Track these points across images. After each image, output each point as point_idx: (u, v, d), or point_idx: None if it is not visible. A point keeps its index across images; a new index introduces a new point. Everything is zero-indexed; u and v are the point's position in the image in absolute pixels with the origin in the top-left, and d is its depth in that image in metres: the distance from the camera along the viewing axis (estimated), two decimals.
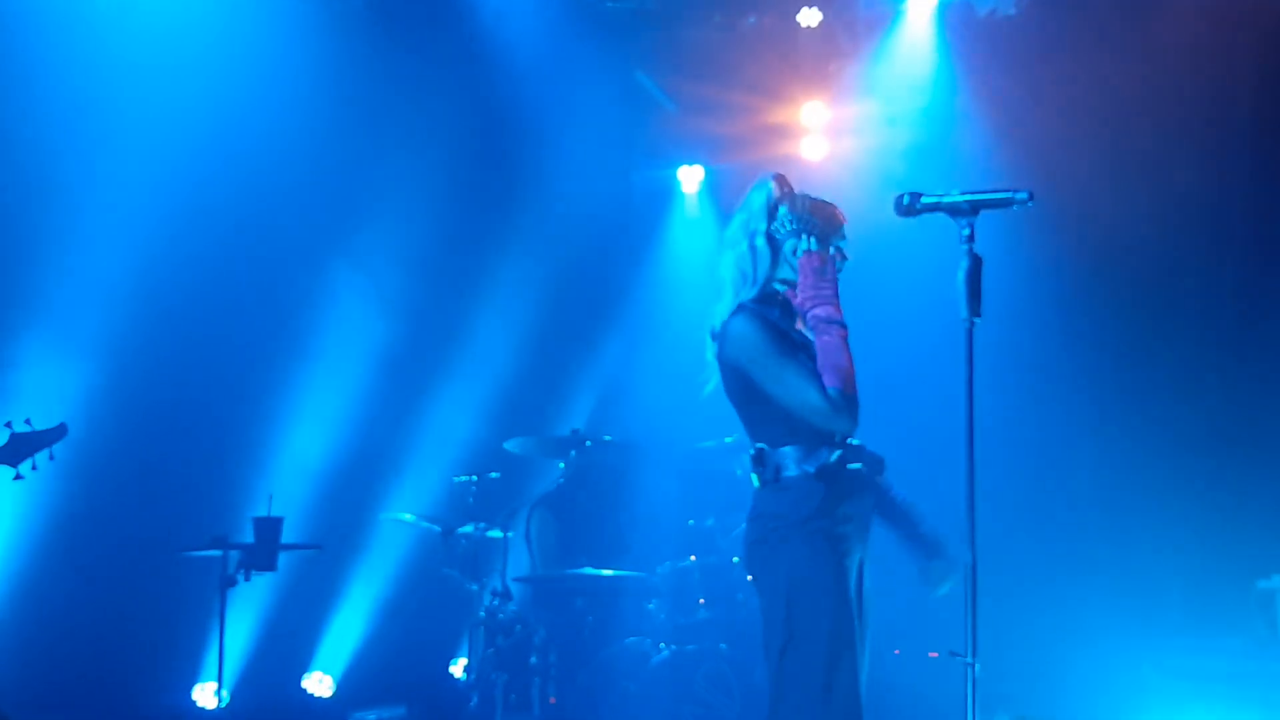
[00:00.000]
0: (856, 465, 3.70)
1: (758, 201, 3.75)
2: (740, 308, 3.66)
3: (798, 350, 3.63)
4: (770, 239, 3.71)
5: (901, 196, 3.74)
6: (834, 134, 8.01)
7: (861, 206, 6.98)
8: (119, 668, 6.12)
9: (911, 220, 3.84)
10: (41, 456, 4.46)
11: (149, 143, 6.05)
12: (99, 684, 6.01)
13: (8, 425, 4.40)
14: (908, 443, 6.99)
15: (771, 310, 3.70)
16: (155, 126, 6.08)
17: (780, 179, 3.77)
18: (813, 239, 3.71)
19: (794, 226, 3.73)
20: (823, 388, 3.57)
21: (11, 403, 5.42)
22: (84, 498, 5.89)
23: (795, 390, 3.57)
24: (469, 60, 7.36)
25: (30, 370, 5.73)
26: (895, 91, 7.76)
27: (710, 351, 3.75)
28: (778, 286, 3.71)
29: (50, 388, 5.71)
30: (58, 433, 4.50)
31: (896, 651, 6.68)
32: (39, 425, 4.47)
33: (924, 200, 3.70)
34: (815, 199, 3.81)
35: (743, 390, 3.67)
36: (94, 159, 5.94)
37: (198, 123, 6.21)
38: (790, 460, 3.64)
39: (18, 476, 4.43)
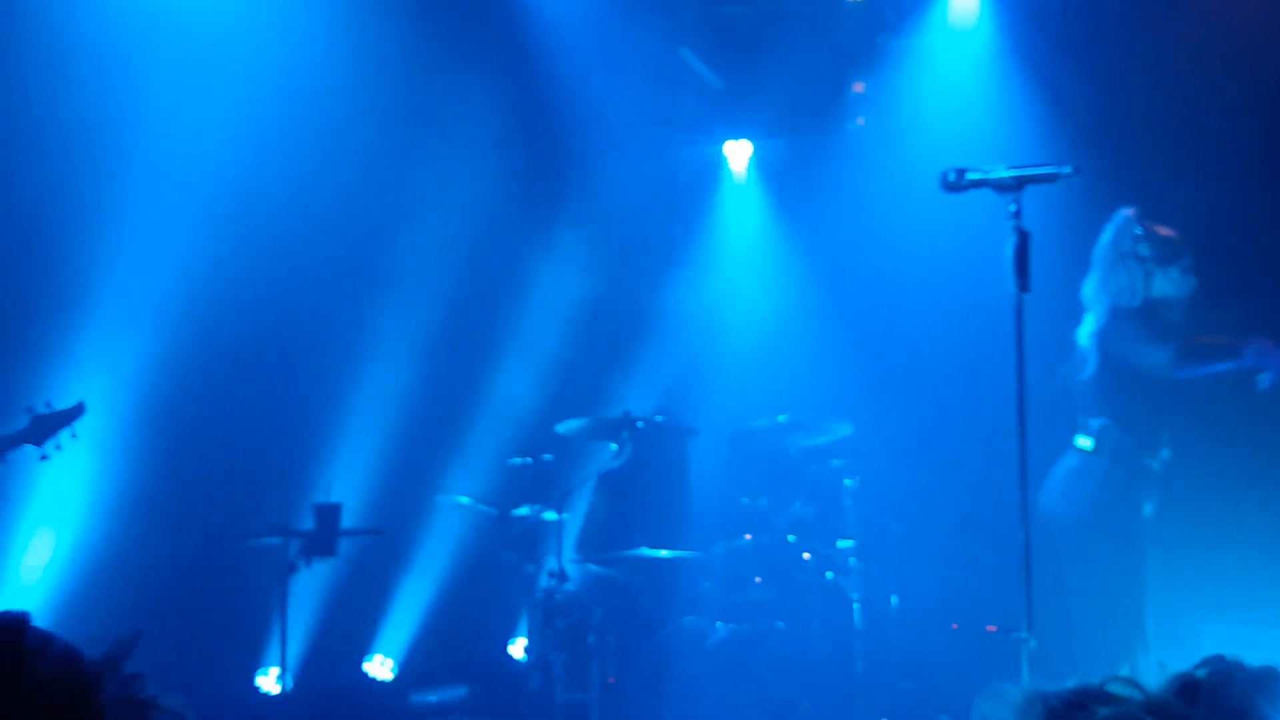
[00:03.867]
0: None
1: (1125, 229, 4.85)
2: (1132, 313, 4.80)
3: None
4: (1141, 260, 4.79)
5: (947, 172, 3.77)
6: (880, 108, 7.94)
7: (908, 182, 6.97)
8: (183, 655, 6.23)
9: (959, 195, 3.84)
10: (65, 436, 4.59)
11: (210, 134, 6.15)
12: (163, 671, 6.10)
13: (28, 410, 4.53)
14: (959, 417, 6.98)
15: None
16: (217, 118, 6.17)
17: (1137, 212, 4.90)
18: (1177, 260, 4.84)
19: (1160, 251, 4.81)
20: None
21: (76, 394, 5.55)
22: (148, 488, 6.00)
23: None
24: (513, 41, 7.37)
25: (94, 363, 5.84)
26: (941, 65, 7.68)
27: (1089, 340, 4.88)
28: (1155, 297, 4.80)
29: (114, 381, 5.82)
30: (76, 411, 4.63)
31: (954, 626, 6.66)
32: (59, 406, 4.59)
33: (970, 176, 3.73)
34: (1162, 227, 4.88)
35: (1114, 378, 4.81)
36: (158, 151, 6.03)
37: (256, 113, 6.30)
38: None
39: (43, 457, 4.57)
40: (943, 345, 7.07)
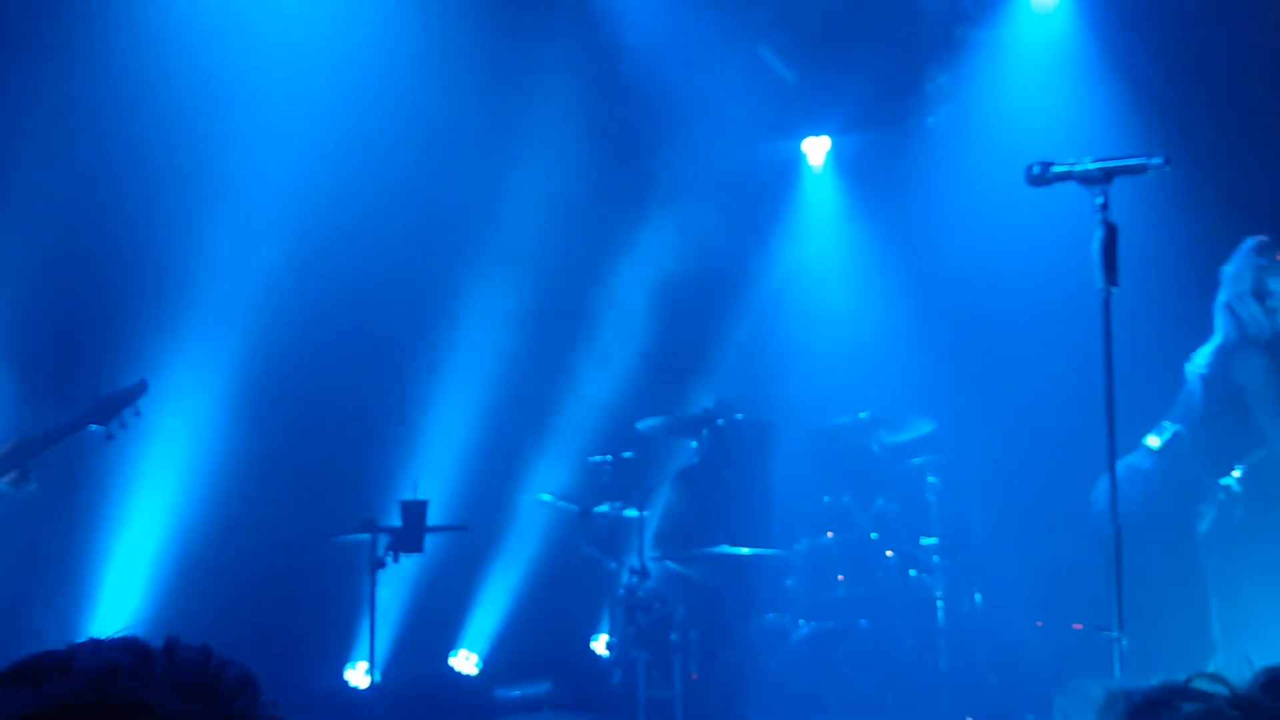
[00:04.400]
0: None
1: (1248, 263, 4.69)
2: (1258, 347, 4.70)
3: None
4: (1265, 295, 4.66)
5: (1032, 166, 3.73)
6: (960, 101, 7.84)
7: (989, 176, 6.88)
8: (275, 650, 6.37)
9: (1044, 189, 3.79)
10: (129, 415, 4.62)
11: (299, 139, 6.28)
12: (256, 666, 6.25)
13: (93, 394, 4.60)
14: (1043, 413, 6.89)
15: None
16: (305, 122, 6.31)
17: (1263, 243, 4.75)
18: None
19: None
20: None
21: (169, 396, 5.70)
22: (240, 488, 6.15)
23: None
24: (591, 40, 7.41)
25: (186, 365, 5.99)
26: (1022, 56, 7.57)
27: (1209, 356, 4.78)
28: None
29: (206, 382, 5.97)
30: (138, 389, 4.66)
31: (1039, 623, 6.58)
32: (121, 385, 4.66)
33: (1055, 169, 3.68)
34: None
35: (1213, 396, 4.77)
36: (249, 157, 6.17)
37: (342, 116, 6.43)
38: None
39: (109, 436, 4.61)
40: (1027, 340, 6.97)
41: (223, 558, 6.13)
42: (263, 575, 6.31)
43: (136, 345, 5.99)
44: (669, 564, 6.40)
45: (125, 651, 1.15)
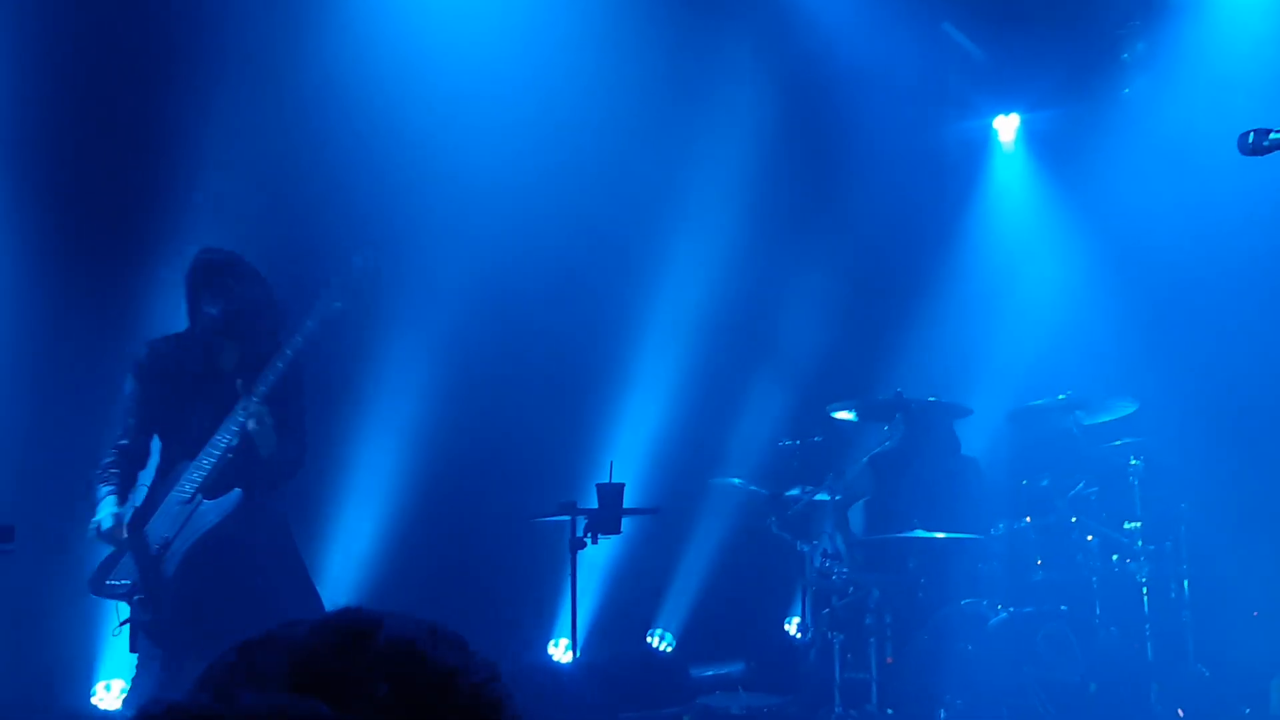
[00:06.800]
0: None
1: None
2: None
3: None
4: None
5: (1247, 134, 3.60)
6: (1159, 70, 7.56)
7: (1192, 147, 6.62)
8: (482, 625, 6.61)
9: (1259, 159, 3.67)
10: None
11: (493, 140, 6.50)
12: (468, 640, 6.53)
13: None
14: (1254, 391, 6.61)
15: None
16: (495, 126, 6.53)
17: None
18: None
19: None
20: None
21: (380, 386, 5.97)
22: (448, 473, 6.42)
23: None
24: (774, 20, 7.43)
25: (393, 357, 6.27)
26: (1226, 17, 7.25)
27: None
28: None
29: (415, 371, 6.24)
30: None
31: (1255, 614, 6.34)
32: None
33: (1274, 136, 3.53)
34: None
35: None
36: (448, 149, 6.42)
37: (530, 119, 6.62)
38: None
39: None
40: (1236, 317, 6.71)
41: (434, 537, 6.42)
42: (470, 554, 6.58)
43: (347, 333, 6.29)
44: (866, 548, 6.39)
45: (334, 654, 1.04)
